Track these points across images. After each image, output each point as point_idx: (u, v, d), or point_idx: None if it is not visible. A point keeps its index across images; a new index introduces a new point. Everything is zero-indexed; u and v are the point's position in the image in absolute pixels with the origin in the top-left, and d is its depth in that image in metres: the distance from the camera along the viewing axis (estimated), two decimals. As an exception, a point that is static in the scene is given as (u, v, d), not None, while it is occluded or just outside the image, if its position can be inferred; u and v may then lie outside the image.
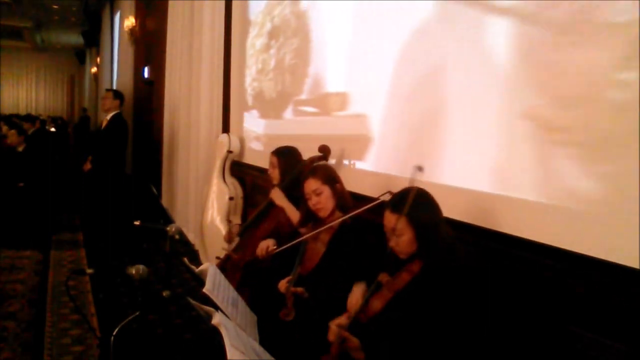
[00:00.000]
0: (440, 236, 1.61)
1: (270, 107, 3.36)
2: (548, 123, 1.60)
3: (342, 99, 2.57)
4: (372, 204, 1.98)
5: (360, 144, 2.44)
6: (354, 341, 1.55)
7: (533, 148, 1.64)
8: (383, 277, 1.65)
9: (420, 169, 1.60)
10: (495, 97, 1.78)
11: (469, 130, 1.88)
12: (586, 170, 1.47)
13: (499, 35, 1.77)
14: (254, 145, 3.82)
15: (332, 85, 2.66)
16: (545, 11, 1.61)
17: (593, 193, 1.45)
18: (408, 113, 2.22)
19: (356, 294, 1.73)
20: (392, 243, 1.64)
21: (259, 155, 3.71)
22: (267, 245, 2.31)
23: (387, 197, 1.83)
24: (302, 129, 2.96)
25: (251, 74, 3.74)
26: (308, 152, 2.72)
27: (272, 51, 3.26)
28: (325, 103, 2.73)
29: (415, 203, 1.60)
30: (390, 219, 1.64)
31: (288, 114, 3.11)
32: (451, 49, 1.98)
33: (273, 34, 3.27)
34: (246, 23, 4.27)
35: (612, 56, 1.41)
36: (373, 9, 2.38)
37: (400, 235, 1.62)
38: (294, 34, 3.00)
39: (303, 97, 2.93)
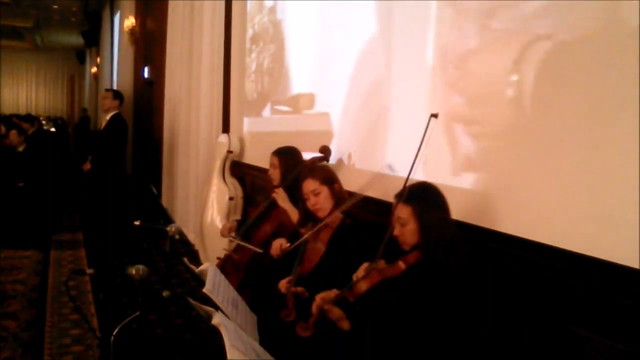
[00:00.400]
0: (442, 232, 1.63)
1: (252, 107, 3.68)
2: (463, 118, 1.92)
3: (310, 99, 2.88)
4: (361, 197, 2.00)
5: (324, 138, 2.76)
6: (336, 311, 1.60)
7: (452, 139, 1.96)
8: (380, 264, 1.68)
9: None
10: (425, 99, 2.13)
11: (406, 127, 2.22)
12: (486, 154, 1.81)
13: (427, 47, 2.12)
14: None
15: (302, 86, 2.97)
16: (459, 22, 1.92)
17: (484, 176, 1.80)
18: (361, 113, 2.58)
19: (361, 270, 1.76)
20: (396, 232, 1.68)
21: (246, 152, 3.92)
22: (280, 243, 2.30)
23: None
24: (278, 126, 3.27)
25: None
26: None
27: (253, 55, 3.60)
28: (297, 102, 3.03)
29: (424, 196, 1.65)
30: (397, 207, 1.68)
31: (266, 112, 3.42)
32: (391, 60, 2.33)
33: (254, 40, 3.60)
34: (245, 23, 4.28)
35: (507, 60, 1.70)
36: (334, 23, 2.74)
37: (404, 225, 1.65)
38: (271, 40, 3.34)
39: (279, 97, 3.23)
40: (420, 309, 1.54)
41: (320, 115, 2.80)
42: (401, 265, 1.65)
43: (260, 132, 3.50)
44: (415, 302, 1.56)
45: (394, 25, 2.35)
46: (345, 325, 1.61)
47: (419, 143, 1.72)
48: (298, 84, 3.05)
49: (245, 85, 3.73)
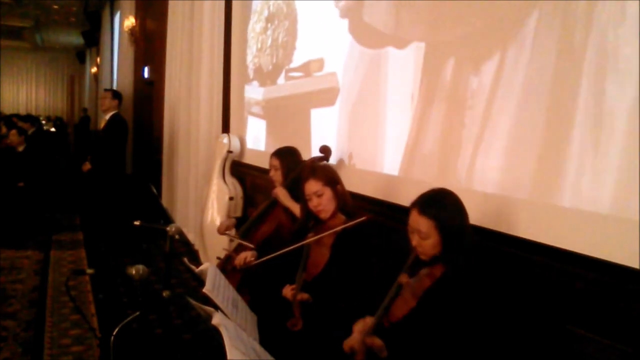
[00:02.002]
0: (465, 242, 1.56)
1: (268, 77, 3.96)
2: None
3: (319, 63, 3.18)
4: (353, 222, 2.03)
5: (332, 94, 2.99)
6: (378, 343, 1.51)
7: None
8: (403, 278, 1.60)
9: None
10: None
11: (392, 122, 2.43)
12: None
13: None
14: (254, 110, 4.24)
15: (313, 53, 3.28)
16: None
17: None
18: (362, 111, 2.72)
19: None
20: (415, 242, 1.60)
21: (257, 123, 4.19)
22: (245, 256, 2.30)
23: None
24: (291, 90, 3.61)
25: (252, 52, 4.26)
26: (297, 109, 3.41)
27: (269, 32, 3.96)
28: (308, 67, 3.34)
29: (444, 206, 1.57)
30: (417, 220, 1.58)
31: (281, 80, 3.74)
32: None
33: (269, 19, 3.95)
34: (246, 22, 4.29)
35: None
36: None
37: (426, 239, 1.57)
38: (285, 17, 3.72)
39: (292, 65, 3.59)
40: (452, 323, 1.49)
41: (329, 75, 3.05)
42: (426, 280, 1.58)
43: (276, 98, 3.84)
44: (447, 320, 1.50)
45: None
46: (385, 355, 1.53)
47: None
48: (309, 52, 3.35)
49: (262, 59, 4.06)
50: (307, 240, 2.10)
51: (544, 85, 1.62)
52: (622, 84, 1.40)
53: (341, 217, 2.16)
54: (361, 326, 1.58)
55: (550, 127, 1.60)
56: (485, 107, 1.86)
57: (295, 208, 2.54)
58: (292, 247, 2.10)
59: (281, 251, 2.11)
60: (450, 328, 1.48)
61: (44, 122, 14.73)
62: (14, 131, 5.81)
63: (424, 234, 1.57)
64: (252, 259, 2.27)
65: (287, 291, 2.00)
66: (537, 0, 1.65)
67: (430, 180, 2.09)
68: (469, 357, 1.47)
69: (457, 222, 1.57)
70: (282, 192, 2.65)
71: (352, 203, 2.22)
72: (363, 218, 2.03)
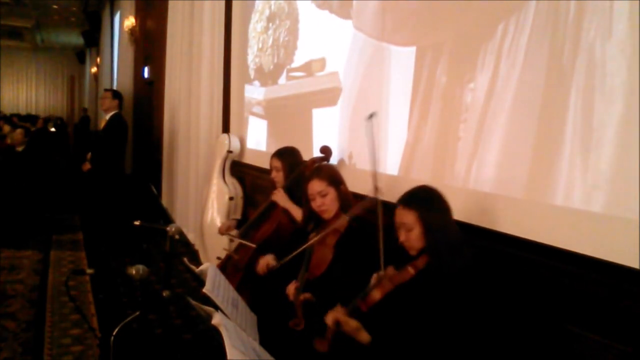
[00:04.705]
0: (447, 234, 1.62)
1: (269, 77, 3.96)
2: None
3: (321, 63, 3.20)
4: (365, 201, 1.99)
5: (333, 94, 3.00)
6: (352, 323, 1.57)
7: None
8: (389, 271, 1.67)
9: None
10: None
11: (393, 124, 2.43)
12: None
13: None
14: (255, 110, 4.25)
15: (315, 53, 3.29)
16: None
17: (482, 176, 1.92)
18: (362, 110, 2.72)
19: (373, 279, 1.74)
20: (402, 237, 1.67)
21: (258, 122, 4.20)
22: (266, 262, 2.24)
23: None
24: (292, 90, 3.62)
25: (253, 52, 4.25)
26: (299, 109, 3.42)
27: (270, 32, 3.97)
28: (310, 67, 3.35)
29: (426, 200, 1.65)
30: (401, 214, 1.66)
31: (282, 80, 3.75)
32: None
33: (271, 18, 3.96)
34: (246, 22, 4.29)
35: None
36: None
37: (410, 230, 1.64)
38: (286, 17, 3.73)
39: (293, 65, 3.61)
40: (433, 312, 1.53)
41: (331, 75, 3.07)
42: (410, 270, 1.63)
43: (277, 98, 3.86)
44: (427, 306, 1.55)
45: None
46: (364, 337, 1.57)
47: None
48: (311, 51, 3.36)
49: (262, 59, 4.08)
50: (314, 239, 2.08)
51: (535, 100, 1.65)
52: (609, 98, 1.41)
53: (344, 217, 2.15)
54: (337, 308, 1.63)
55: (540, 140, 1.62)
56: (479, 115, 1.86)
57: (294, 210, 2.54)
58: (304, 246, 2.08)
59: (299, 250, 2.10)
60: (428, 315, 1.53)
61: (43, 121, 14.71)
62: (19, 130, 5.81)
63: (408, 225, 1.64)
64: (274, 262, 2.22)
65: (291, 288, 1.99)
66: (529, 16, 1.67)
67: (429, 180, 2.09)
68: (449, 349, 1.49)
69: (438, 213, 1.64)
70: (280, 195, 2.64)
71: (355, 204, 2.22)
72: (373, 198, 1.95)
